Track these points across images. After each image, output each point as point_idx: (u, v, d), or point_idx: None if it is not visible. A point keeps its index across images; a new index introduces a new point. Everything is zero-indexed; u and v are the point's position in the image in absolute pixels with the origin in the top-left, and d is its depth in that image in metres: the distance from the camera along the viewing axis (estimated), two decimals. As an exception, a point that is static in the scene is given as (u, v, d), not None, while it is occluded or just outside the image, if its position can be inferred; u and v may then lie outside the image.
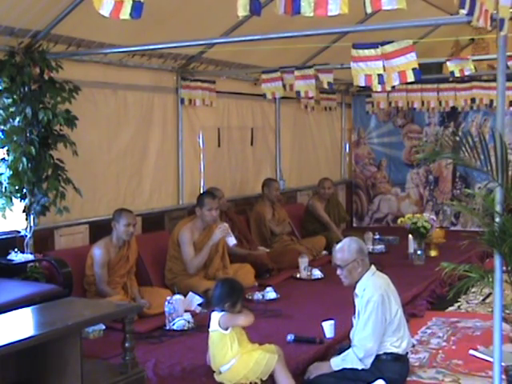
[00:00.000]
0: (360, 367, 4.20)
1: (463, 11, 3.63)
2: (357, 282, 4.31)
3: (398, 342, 4.24)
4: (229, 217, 7.37)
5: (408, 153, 10.65)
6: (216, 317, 4.22)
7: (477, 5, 3.64)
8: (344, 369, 4.24)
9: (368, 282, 4.26)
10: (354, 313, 4.39)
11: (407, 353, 4.39)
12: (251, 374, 4.10)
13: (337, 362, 4.26)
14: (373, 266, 4.35)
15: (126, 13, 3.84)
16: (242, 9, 3.58)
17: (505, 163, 3.79)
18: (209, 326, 4.30)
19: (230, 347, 4.15)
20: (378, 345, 4.20)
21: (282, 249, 7.82)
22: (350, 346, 4.39)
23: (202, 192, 7.04)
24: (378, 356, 4.22)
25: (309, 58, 8.27)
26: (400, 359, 4.28)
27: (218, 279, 4.54)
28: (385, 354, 4.22)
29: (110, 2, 3.82)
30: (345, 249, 4.31)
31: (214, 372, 4.24)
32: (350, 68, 5.59)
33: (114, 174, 6.58)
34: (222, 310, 4.22)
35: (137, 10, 3.83)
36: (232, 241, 6.25)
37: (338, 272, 4.35)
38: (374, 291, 4.20)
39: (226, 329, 4.18)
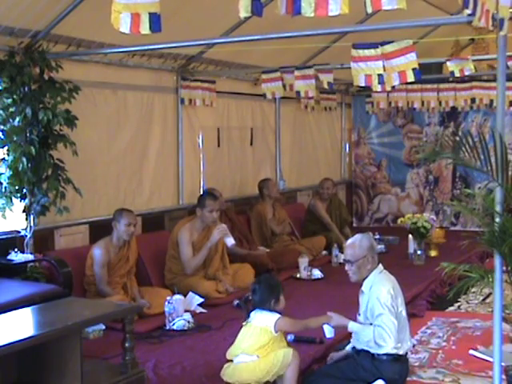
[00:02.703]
0: (367, 347, 4.21)
1: (467, 11, 3.63)
2: (364, 279, 4.32)
3: (398, 344, 4.24)
4: (228, 217, 7.37)
5: (408, 153, 10.66)
6: (269, 317, 4.14)
7: (478, 5, 3.64)
8: (344, 369, 4.24)
9: (375, 280, 4.27)
10: (358, 310, 4.40)
11: (407, 353, 4.39)
12: (269, 373, 4.05)
13: (355, 328, 4.29)
14: (380, 265, 4.37)
15: (145, 27, 3.88)
16: (244, 10, 3.59)
17: (505, 163, 3.79)
18: (244, 320, 4.26)
19: (269, 347, 4.08)
20: (396, 337, 4.16)
21: (282, 249, 7.82)
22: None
23: (202, 193, 7.03)
24: (377, 356, 4.22)
25: (309, 58, 8.27)
26: (400, 359, 4.27)
27: (254, 281, 4.48)
28: (385, 354, 4.21)
29: (127, 16, 3.84)
30: (356, 244, 4.33)
31: (224, 362, 4.19)
32: (350, 68, 5.60)
33: (114, 174, 6.58)
34: (269, 309, 4.16)
35: (155, 22, 3.89)
36: (230, 241, 6.25)
37: (347, 267, 4.36)
38: (382, 288, 4.21)
39: (277, 331, 4.13)
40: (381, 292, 4.19)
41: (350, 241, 4.43)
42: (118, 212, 5.70)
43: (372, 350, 4.21)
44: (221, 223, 6.42)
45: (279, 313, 4.20)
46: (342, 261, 6.14)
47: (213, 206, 6.27)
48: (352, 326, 4.31)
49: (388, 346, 4.16)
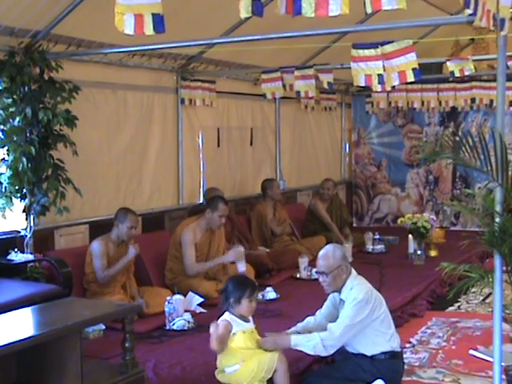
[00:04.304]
0: (316, 353, 4.14)
1: (468, 11, 3.64)
2: (340, 289, 4.27)
3: (392, 339, 4.25)
4: (229, 217, 7.35)
5: (408, 153, 10.66)
6: (222, 317, 4.14)
7: (479, 4, 3.64)
8: (343, 370, 4.23)
9: (353, 284, 4.23)
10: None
11: (401, 348, 4.39)
12: (255, 378, 4.02)
13: (298, 341, 4.14)
14: (353, 270, 4.33)
15: (149, 28, 3.91)
16: (245, 10, 3.59)
17: (505, 163, 3.79)
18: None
19: (234, 352, 4.05)
20: (345, 341, 4.16)
21: (282, 249, 7.82)
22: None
23: (215, 195, 6.85)
24: (375, 356, 4.21)
25: (309, 58, 8.27)
26: (396, 356, 4.28)
27: (227, 278, 4.48)
28: (382, 353, 4.21)
29: (130, 17, 3.87)
30: (329, 255, 4.27)
31: (216, 369, 4.19)
32: (350, 68, 5.60)
33: (114, 173, 6.58)
34: (227, 309, 4.13)
35: (159, 23, 3.93)
36: (241, 267, 6.12)
37: (321, 279, 4.30)
38: (360, 290, 4.19)
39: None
40: (358, 294, 4.16)
41: (321, 252, 4.35)
42: (122, 212, 5.65)
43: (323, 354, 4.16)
44: (239, 245, 6.37)
45: (233, 314, 4.11)
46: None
47: (224, 212, 6.26)
48: (294, 341, 4.15)
49: (333, 348, 4.11)
